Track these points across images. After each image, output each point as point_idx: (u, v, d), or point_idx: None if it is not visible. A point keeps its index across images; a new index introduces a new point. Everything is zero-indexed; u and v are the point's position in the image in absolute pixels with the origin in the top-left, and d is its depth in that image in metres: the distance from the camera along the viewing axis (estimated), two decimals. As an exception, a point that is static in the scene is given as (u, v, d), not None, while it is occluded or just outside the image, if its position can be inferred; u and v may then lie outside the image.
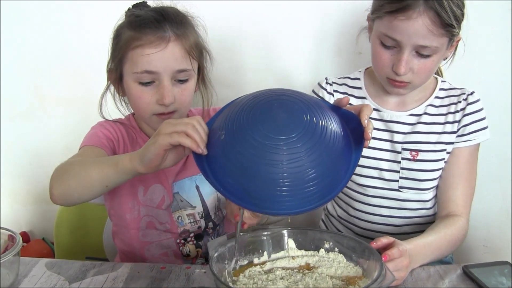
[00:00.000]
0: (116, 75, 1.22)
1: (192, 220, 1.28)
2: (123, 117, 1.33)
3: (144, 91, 1.17)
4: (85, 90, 1.77)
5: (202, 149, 0.87)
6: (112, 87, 1.27)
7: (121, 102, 1.29)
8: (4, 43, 1.74)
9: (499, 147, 1.66)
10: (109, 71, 1.24)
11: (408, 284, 1.02)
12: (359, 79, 1.38)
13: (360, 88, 1.37)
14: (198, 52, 1.23)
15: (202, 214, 1.29)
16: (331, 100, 1.36)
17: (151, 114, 1.19)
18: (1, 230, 1.07)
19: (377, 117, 1.33)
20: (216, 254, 0.92)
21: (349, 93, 1.37)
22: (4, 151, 1.86)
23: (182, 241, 1.29)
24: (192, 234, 1.29)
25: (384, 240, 1.01)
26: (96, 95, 1.75)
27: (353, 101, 1.35)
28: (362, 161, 1.32)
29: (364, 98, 1.35)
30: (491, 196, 1.70)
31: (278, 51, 1.71)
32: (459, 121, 1.29)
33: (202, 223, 1.30)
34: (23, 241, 1.37)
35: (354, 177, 1.34)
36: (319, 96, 1.38)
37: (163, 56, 1.14)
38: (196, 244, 1.30)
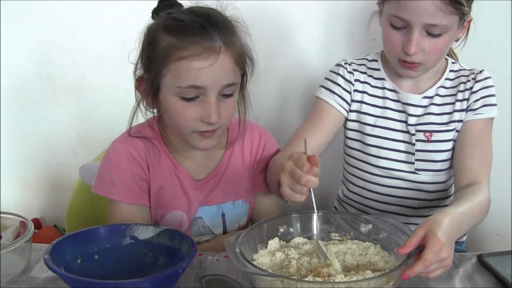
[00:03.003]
0: (152, 87, 1.06)
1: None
2: (144, 122, 1.18)
3: (187, 107, 1.04)
4: (96, 79, 1.77)
5: None
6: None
7: (147, 111, 1.15)
8: (15, 31, 1.74)
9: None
10: (139, 80, 1.09)
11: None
12: (376, 60, 1.37)
13: (378, 69, 1.35)
14: (243, 61, 1.09)
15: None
16: (351, 78, 1.34)
17: (191, 131, 1.07)
18: (13, 217, 1.08)
19: (395, 98, 1.33)
20: (237, 249, 0.89)
21: (368, 73, 1.35)
22: (16, 140, 1.86)
23: None
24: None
25: (414, 240, 0.87)
26: (107, 84, 1.76)
27: (372, 81, 1.35)
28: (380, 142, 1.32)
29: (383, 79, 1.34)
30: (504, 185, 1.69)
31: (291, 38, 1.70)
32: (468, 99, 1.27)
33: None
34: (35, 228, 1.37)
35: (372, 159, 1.33)
36: (339, 74, 1.34)
37: (213, 70, 1.00)
38: None
